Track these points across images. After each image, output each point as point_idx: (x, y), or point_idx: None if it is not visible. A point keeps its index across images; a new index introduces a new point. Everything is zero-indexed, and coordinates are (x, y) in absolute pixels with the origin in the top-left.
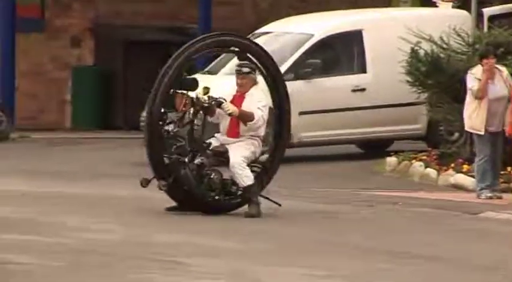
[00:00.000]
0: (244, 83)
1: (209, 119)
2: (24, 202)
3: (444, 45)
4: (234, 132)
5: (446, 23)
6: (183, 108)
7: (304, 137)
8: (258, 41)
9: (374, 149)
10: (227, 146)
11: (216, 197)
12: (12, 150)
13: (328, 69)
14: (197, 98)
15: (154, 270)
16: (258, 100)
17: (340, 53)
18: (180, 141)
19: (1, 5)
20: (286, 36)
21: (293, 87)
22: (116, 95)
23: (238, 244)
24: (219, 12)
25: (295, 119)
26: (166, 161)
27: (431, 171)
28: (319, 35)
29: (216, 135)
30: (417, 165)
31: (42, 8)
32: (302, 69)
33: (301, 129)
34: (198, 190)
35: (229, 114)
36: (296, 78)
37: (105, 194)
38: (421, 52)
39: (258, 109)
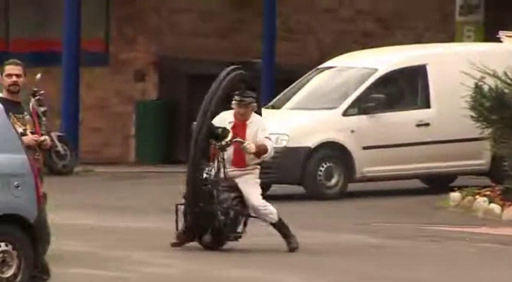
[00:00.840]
0: (246, 112)
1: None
2: (91, 236)
3: (508, 81)
4: (242, 162)
5: (511, 58)
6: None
7: (367, 172)
8: (322, 75)
9: (438, 184)
10: (237, 180)
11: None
12: (76, 184)
13: (392, 104)
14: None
15: None
16: (263, 128)
17: (404, 88)
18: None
19: (66, 38)
20: (349, 70)
21: (357, 122)
22: (180, 129)
23: (300, 278)
24: (283, 47)
25: (358, 154)
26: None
27: (495, 207)
28: (383, 69)
29: (208, 168)
30: (481, 201)
31: (106, 41)
32: (366, 104)
33: (365, 164)
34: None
35: (251, 153)
36: (360, 112)
37: (168, 228)
38: (485, 87)
39: (266, 139)
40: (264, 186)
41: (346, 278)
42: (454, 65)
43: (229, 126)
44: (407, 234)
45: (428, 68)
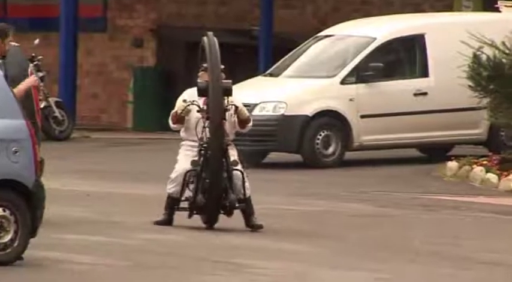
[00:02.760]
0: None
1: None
2: (88, 202)
3: (506, 50)
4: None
5: (509, 27)
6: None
7: (364, 141)
8: (320, 44)
9: (435, 153)
10: None
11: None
12: (73, 150)
13: (390, 72)
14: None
15: (216, 271)
16: (237, 99)
17: (402, 57)
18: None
19: (64, 4)
20: (348, 39)
21: (355, 90)
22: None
23: (301, 247)
24: (281, 15)
25: (356, 122)
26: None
27: (492, 176)
28: (381, 38)
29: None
30: (478, 170)
31: (104, 7)
32: (364, 73)
33: (362, 132)
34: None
35: (244, 119)
36: (358, 81)
37: (163, 194)
38: (483, 57)
39: (243, 108)
40: (261, 154)
41: (342, 245)
42: (453, 35)
43: (200, 102)
44: (404, 203)
45: (426, 37)
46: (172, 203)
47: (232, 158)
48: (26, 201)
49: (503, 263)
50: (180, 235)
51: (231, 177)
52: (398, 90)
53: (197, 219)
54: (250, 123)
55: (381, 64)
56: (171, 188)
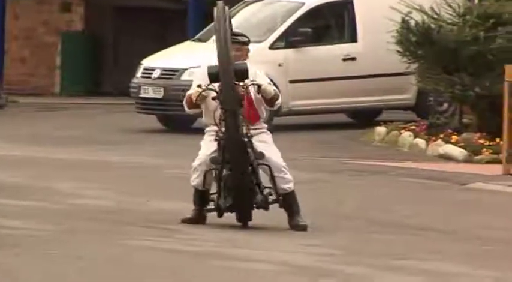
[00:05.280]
0: (239, 55)
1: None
2: (18, 167)
3: (435, 16)
4: (255, 116)
5: None
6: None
7: (293, 106)
8: (249, 8)
9: (363, 118)
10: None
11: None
12: (1, 115)
13: (319, 38)
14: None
15: (147, 237)
16: (262, 75)
17: (331, 22)
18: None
19: None
20: (277, 4)
21: (283, 55)
22: (106, 61)
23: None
24: None
25: (285, 87)
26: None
27: (421, 142)
28: (310, 3)
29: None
30: (406, 135)
31: None
32: (293, 38)
33: (291, 97)
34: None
35: (270, 97)
36: (287, 46)
37: (96, 160)
38: (412, 22)
39: (269, 84)
40: (189, 119)
41: (271, 212)
42: (382, 0)
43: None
44: (333, 168)
45: (355, 2)
46: (200, 197)
47: (258, 150)
48: None
49: (432, 228)
50: (113, 201)
51: (256, 173)
52: (327, 56)
53: (136, 185)
54: (279, 100)
55: (310, 29)
56: (195, 179)
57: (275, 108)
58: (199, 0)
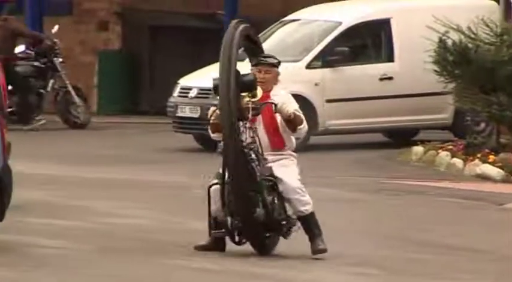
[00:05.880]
0: (268, 78)
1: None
2: (54, 186)
3: (472, 35)
4: (278, 142)
5: (475, 13)
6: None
7: (330, 125)
8: (286, 28)
9: (400, 138)
10: (272, 164)
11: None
12: (40, 135)
13: (356, 57)
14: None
15: (182, 256)
16: (290, 101)
17: (368, 41)
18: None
19: None
20: (314, 23)
21: (320, 74)
22: (142, 80)
23: None
24: None
25: (321, 107)
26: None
27: (458, 161)
28: (347, 22)
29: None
30: (443, 155)
31: None
32: (330, 57)
33: (328, 117)
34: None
35: (288, 117)
36: (323, 66)
37: (133, 179)
38: (449, 42)
39: (296, 111)
40: None
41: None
42: (419, 19)
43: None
44: (370, 187)
45: (392, 21)
46: (215, 226)
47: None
48: None
49: (469, 247)
50: (150, 220)
51: (260, 191)
52: (363, 75)
53: (175, 204)
54: (302, 125)
55: (347, 48)
56: (212, 206)
57: (299, 135)
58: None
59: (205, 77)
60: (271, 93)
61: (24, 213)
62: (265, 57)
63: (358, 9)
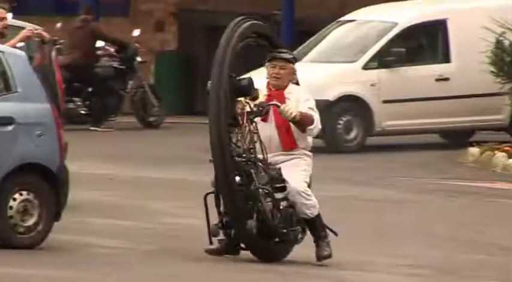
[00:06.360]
0: (283, 74)
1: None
2: (112, 186)
3: None
4: (290, 143)
5: None
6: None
7: (386, 126)
8: (342, 29)
9: (456, 139)
10: (280, 165)
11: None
12: (95, 133)
13: (412, 58)
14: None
15: (239, 255)
16: (305, 99)
17: (424, 42)
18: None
19: None
20: (370, 24)
21: (376, 75)
22: (198, 81)
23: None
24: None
25: (378, 107)
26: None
27: None
28: (403, 23)
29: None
30: (500, 156)
31: None
32: (386, 58)
33: (384, 117)
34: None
35: (291, 119)
36: (380, 66)
37: (188, 179)
38: (506, 42)
39: (310, 109)
40: None
41: (364, 230)
42: (475, 20)
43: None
44: (426, 188)
45: (448, 22)
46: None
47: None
48: (50, 185)
49: None
50: (202, 220)
51: (254, 198)
52: (420, 76)
53: None
54: (313, 126)
55: (403, 49)
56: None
57: (310, 134)
58: (291, 21)
59: (260, 77)
60: (286, 91)
61: (80, 213)
62: (279, 52)
63: (414, 10)
